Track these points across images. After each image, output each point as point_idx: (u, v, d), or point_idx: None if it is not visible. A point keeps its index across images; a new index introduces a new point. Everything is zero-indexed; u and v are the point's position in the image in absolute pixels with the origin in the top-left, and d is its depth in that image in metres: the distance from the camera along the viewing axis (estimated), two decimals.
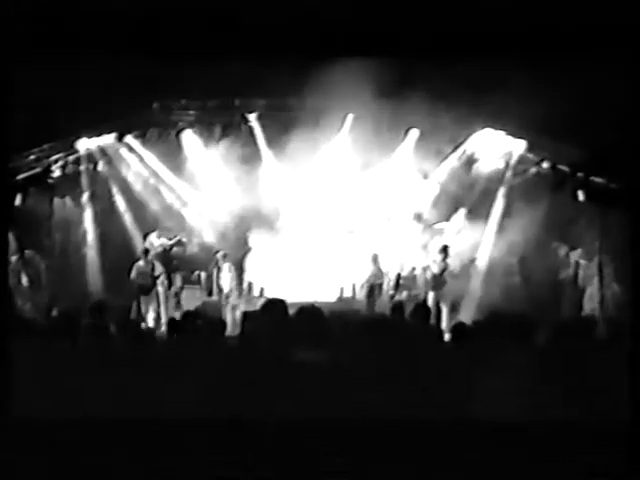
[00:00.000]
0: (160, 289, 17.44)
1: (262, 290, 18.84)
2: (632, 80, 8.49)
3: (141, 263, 17.63)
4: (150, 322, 16.91)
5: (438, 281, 17.17)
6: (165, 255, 18.79)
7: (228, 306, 17.85)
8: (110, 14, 9.25)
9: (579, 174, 17.85)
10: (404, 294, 18.46)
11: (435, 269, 17.23)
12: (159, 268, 17.66)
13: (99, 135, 19.17)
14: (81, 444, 6.47)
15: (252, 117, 19.97)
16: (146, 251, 18.04)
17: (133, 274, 17.56)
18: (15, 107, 8.59)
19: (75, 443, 6.47)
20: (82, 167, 19.22)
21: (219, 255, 18.76)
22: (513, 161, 19.49)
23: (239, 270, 18.90)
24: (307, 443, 6.48)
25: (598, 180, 17.26)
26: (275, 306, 8.13)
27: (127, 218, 19.54)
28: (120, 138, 19.86)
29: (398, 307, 14.38)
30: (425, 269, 17.49)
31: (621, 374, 7.09)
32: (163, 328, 15.81)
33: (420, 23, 8.72)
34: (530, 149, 18.95)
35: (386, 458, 6.41)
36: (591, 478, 6.06)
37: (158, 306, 17.41)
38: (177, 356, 7.48)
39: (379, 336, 7.79)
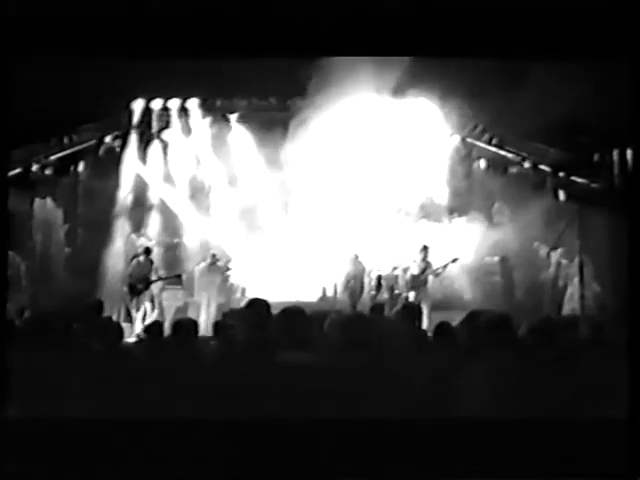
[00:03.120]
0: (155, 290, 17.32)
1: (244, 290, 18.83)
2: (614, 81, 8.54)
3: (141, 260, 17.40)
4: (138, 322, 16.80)
5: (418, 281, 17.19)
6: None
7: (205, 306, 17.86)
8: (91, 13, 9.21)
9: (560, 174, 17.94)
10: (385, 294, 18.49)
11: (415, 269, 17.25)
12: (159, 268, 17.48)
13: (79, 135, 19.12)
14: (73, 445, 6.46)
15: (233, 117, 19.99)
16: (147, 250, 17.73)
17: (129, 271, 17.38)
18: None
19: (67, 444, 6.46)
20: (63, 168, 19.16)
21: (200, 255, 18.75)
22: (494, 161, 19.58)
23: (221, 270, 18.83)
24: (291, 443, 6.48)
25: (579, 180, 17.34)
26: (257, 306, 8.12)
27: (108, 219, 19.48)
28: (101, 139, 19.83)
29: (379, 307, 14.44)
30: (405, 269, 17.49)
31: (602, 372, 7.13)
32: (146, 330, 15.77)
33: (413, 24, 8.72)
34: (511, 149, 19.03)
35: (372, 457, 6.42)
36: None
37: (153, 307, 17.27)
38: (163, 357, 7.46)
39: (361, 336, 7.79)
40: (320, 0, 8.54)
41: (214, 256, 18.40)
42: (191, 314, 17.41)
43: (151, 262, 17.34)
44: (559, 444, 6.55)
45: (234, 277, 19.13)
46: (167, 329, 8.30)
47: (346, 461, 6.43)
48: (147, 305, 17.04)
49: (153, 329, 8.32)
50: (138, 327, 16.53)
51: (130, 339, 14.64)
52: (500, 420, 6.70)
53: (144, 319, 16.85)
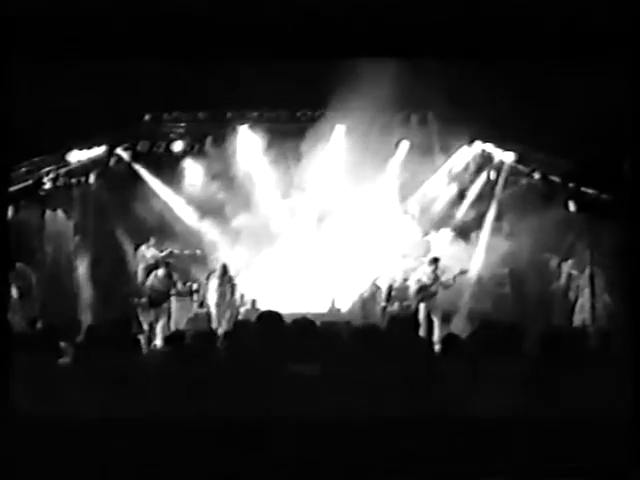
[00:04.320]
0: (174, 303, 17.35)
1: (254, 301, 18.83)
2: (624, 90, 8.52)
3: (159, 274, 17.43)
4: (158, 333, 16.84)
5: (428, 293, 17.18)
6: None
7: (216, 317, 17.80)
8: (100, 24, 9.24)
9: (570, 185, 17.89)
10: (396, 305, 18.47)
11: (425, 280, 17.24)
12: (177, 280, 17.53)
13: (90, 147, 19.15)
14: (79, 444, 6.49)
15: (243, 129, 20.01)
16: (167, 264, 17.78)
17: (149, 283, 17.42)
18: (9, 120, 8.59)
19: (74, 443, 6.49)
20: (73, 180, 19.20)
21: (211, 267, 18.74)
22: (504, 172, 19.55)
23: (231, 281, 18.79)
24: (299, 452, 6.49)
25: (589, 191, 17.28)
26: (270, 318, 8.15)
27: (119, 230, 19.52)
28: (111, 150, 19.88)
29: (391, 319, 14.44)
30: (416, 281, 17.47)
31: (611, 385, 7.12)
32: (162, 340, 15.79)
33: (412, 31, 8.73)
34: (521, 160, 19.00)
35: (379, 468, 6.42)
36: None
37: (169, 319, 17.30)
38: (173, 367, 7.49)
39: (370, 348, 7.80)
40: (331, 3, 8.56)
41: (224, 267, 18.34)
42: (202, 325, 17.41)
43: (170, 276, 17.42)
44: (560, 444, 6.55)
45: (244, 288, 19.12)
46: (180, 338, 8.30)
47: (348, 464, 6.44)
48: (164, 317, 17.13)
49: (175, 339, 8.32)
50: (158, 338, 16.60)
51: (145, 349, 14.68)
52: (502, 420, 6.70)
53: (166, 329, 16.90)
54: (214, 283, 18.37)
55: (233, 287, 18.40)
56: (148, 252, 19.37)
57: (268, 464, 6.49)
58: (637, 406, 6.99)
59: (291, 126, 19.48)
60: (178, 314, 17.87)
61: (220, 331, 16.52)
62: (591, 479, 6.38)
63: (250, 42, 8.81)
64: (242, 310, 18.41)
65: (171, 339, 8.43)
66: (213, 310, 18.06)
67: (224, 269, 18.30)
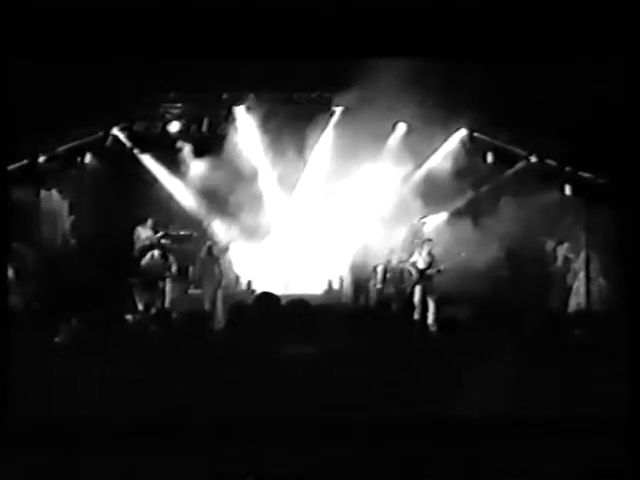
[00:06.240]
0: (169, 284, 17.29)
1: (249, 283, 18.83)
2: (621, 75, 8.53)
3: (155, 255, 17.38)
4: (153, 313, 16.80)
5: (424, 275, 17.18)
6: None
7: (209, 298, 17.73)
8: (98, 7, 9.24)
9: (567, 168, 17.91)
10: (391, 288, 18.47)
11: (421, 263, 17.24)
12: (172, 262, 17.45)
13: (86, 127, 19.11)
14: (75, 442, 6.50)
15: (240, 110, 19.96)
16: (162, 246, 17.75)
17: (144, 264, 17.37)
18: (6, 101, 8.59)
19: (68, 440, 6.50)
20: (69, 159, 19.17)
21: (205, 247, 18.68)
22: (500, 155, 19.54)
23: (226, 263, 18.77)
24: (295, 434, 6.52)
25: (585, 175, 17.30)
26: (268, 300, 8.18)
27: (114, 210, 19.45)
28: (107, 130, 19.83)
29: (385, 301, 14.44)
30: (411, 263, 17.46)
31: (607, 366, 7.14)
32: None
33: (409, 19, 8.73)
34: (518, 143, 18.98)
35: (372, 449, 6.45)
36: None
37: (163, 300, 17.25)
38: (168, 349, 7.51)
39: (366, 329, 7.82)
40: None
41: (210, 247, 18.26)
42: (194, 306, 17.36)
43: (166, 258, 17.38)
44: (558, 443, 6.57)
45: (239, 269, 19.12)
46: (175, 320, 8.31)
47: (345, 457, 6.47)
48: (158, 297, 17.09)
49: (161, 319, 8.36)
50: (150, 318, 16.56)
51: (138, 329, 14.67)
52: (499, 419, 6.71)
53: (161, 310, 16.86)
54: (198, 264, 18.31)
55: (221, 268, 18.26)
56: (144, 233, 19.32)
57: (265, 446, 6.52)
58: (635, 397, 7.01)
59: (288, 107, 19.44)
60: (173, 294, 17.81)
61: (210, 311, 16.53)
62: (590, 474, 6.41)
63: (248, 26, 8.82)
64: (237, 291, 18.39)
65: (159, 319, 8.47)
66: (202, 290, 17.99)
67: (208, 250, 18.21)
